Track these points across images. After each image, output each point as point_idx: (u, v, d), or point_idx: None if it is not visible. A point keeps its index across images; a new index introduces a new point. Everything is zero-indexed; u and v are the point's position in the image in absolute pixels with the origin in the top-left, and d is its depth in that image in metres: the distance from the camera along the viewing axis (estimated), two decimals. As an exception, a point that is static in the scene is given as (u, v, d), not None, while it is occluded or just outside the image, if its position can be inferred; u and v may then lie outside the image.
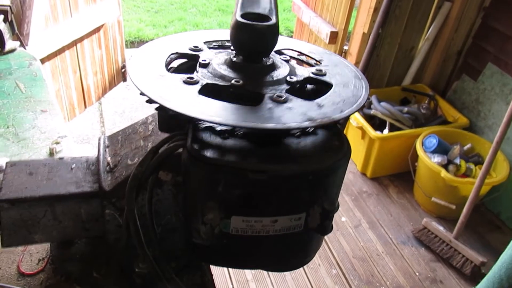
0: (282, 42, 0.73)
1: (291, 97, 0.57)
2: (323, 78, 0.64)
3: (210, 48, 0.69)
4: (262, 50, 0.62)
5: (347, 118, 0.58)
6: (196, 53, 0.67)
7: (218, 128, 0.57)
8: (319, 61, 0.69)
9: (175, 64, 0.68)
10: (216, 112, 0.52)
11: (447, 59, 3.02)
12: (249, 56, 0.62)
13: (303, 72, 0.65)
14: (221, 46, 0.70)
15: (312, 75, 0.64)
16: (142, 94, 0.54)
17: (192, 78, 0.58)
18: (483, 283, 1.07)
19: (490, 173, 2.34)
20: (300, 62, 0.71)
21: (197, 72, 0.61)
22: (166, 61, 0.63)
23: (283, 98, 0.56)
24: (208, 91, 0.57)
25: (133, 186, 0.58)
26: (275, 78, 0.61)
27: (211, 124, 0.56)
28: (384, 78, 3.03)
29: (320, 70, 0.65)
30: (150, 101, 0.54)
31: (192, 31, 0.73)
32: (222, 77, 0.60)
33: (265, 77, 0.61)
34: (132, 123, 0.76)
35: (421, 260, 2.33)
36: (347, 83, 0.63)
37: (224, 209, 0.55)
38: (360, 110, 0.60)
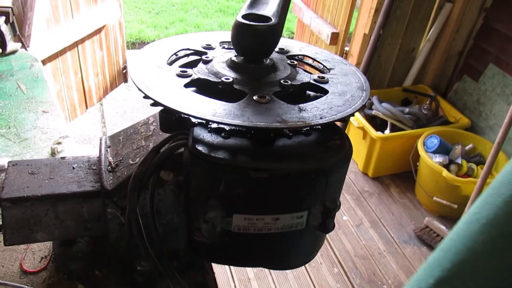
0: (298, 47, 0.74)
1: (275, 99, 0.56)
2: (322, 85, 0.63)
3: (223, 48, 0.70)
4: (261, 51, 0.62)
5: (346, 120, 0.58)
6: (207, 50, 0.67)
7: (214, 125, 0.57)
8: (329, 69, 0.69)
9: (186, 60, 0.68)
10: (186, 103, 0.53)
11: (448, 60, 3.02)
12: (248, 56, 0.62)
13: (304, 77, 0.64)
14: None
15: (312, 81, 0.63)
16: (134, 85, 0.56)
17: (185, 71, 0.60)
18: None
19: (491, 173, 2.33)
20: (312, 67, 0.71)
21: (195, 67, 0.62)
22: (171, 54, 0.65)
23: (265, 99, 0.55)
24: (198, 86, 0.59)
25: (135, 185, 0.59)
26: (268, 80, 0.61)
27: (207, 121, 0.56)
28: (385, 79, 3.03)
29: (323, 78, 0.64)
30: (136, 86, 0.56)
31: (214, 31, 0.74)
32: (216, 74, 0.61)
33: (260, 78, 0.61)
34: (133, 123, 0.76)
35: (423, 259, 2.33)
36: (345, 92, 0.61)
37: (226, 208, 0.55)
38: (361, 110, 0.60)
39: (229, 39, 0.71)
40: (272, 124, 0.51)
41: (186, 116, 0.52)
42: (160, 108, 0.55)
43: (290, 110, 0.54)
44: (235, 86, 0.58)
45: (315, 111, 0.55)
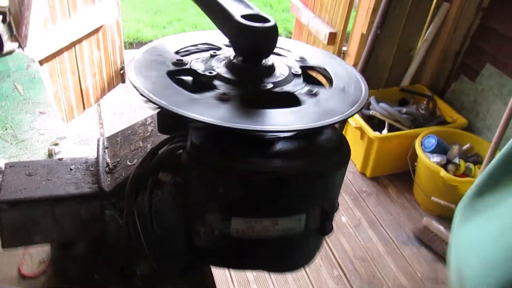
0: (319, 58, 0.72)
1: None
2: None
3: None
4: (266, 51, 0.62)
5: (345, 121, 0.58)
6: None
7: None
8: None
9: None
10: (151, 88, 0.55)
11: (445, 60, 3.03)
12: (245, 57, 0.62)
13: (292, 88, 0.62)
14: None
15: (298, 93, 0.61)
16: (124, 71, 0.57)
17: (181, 61, 0.62)
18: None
19: (489, 173, 2.34)
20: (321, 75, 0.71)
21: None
22: (183, 46, 0.67)
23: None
24: (191, 76, 0.62)
25: (133, 187, 0.58)
26: (285, 75, 0.62)
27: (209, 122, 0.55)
28: (382, 78, 3.04)
29: (311, 91, 0.62)
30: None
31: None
32: (208, 68, 0.62)
33: (247, 79, 0.61)
34: (131, 124, 0.76)
35: (422, 260, 2.33)
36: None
37: (225, 210, 0.55)
38: (359, 110, 0.60)
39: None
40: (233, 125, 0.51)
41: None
42: (158, 109, 0.55)
43: (243, 113, 0.54)
44: (214, 82, 0.59)
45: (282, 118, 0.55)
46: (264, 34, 0.58)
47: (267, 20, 0.59)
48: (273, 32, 0.58)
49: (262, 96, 0.59)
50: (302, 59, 0.70)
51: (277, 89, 0.60)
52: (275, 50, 0.70)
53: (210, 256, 0.62)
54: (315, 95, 0.60)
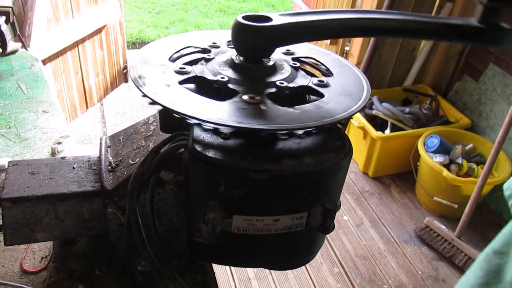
0: (306, 49, 0.73)
1: (267, 101, 0.56)
2: (320, 89, 0.62)
3: (229, 47, 0.69)
4: (259, 51, 0.62)
5: (348, 119, 0.58)
6: (213, 49, 0.67)
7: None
8: (332, 73, 0.67)
9: (190, 58, 0.68)
10: (174, 99, 0.53)
11: (448, 59, 3.02)
12: (247, 56, 0.62)
13: (303, 80, 0.63)
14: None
15: (311, 85, 0.62)
16: (135, 82, 0.56)
17: (183, 68, 0.60)
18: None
19: (492, 173, 2.33)
20: (315, 69, 0.71)
21: (195, 65, 0.62)
22: (175, 51, 0.65)
23: (256, 100, 0.55)
24: (196, 83, 0.60)
25: (135, 185, 0.59)
26: (266, 81, 0.60)
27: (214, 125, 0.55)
28: (385, 78, 3.03)
29: (322, 81, 0.63)
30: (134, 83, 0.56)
31: (217, 30, 0.74)
32: (214, 72, 0.60)
33: (257, 78, 0.61)
34: (134, 123, 0.76)
35: (424, 258, 2.33)
36: (339, 100, 0.60)
37: (226, 209, 0.55)
38: (361, 110, 0.60)
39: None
40: (252, 125, 0.51)
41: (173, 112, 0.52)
42: (159, 108, 0.55)
43: (280, 112, 0.54)
44: (230, 86, 0.58)
45: (308, 113, 0.55)
46: (259, 33, 0.58)
47: (269, 20, 0.59)
48: (270, 32, 0.59)
49: (283, 93, 0.59)
50: (288, 52, 0.70)
51: (292, 85, 0.61)
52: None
53: (211, 254, 0.63)
54: (327, 85, 0.61)
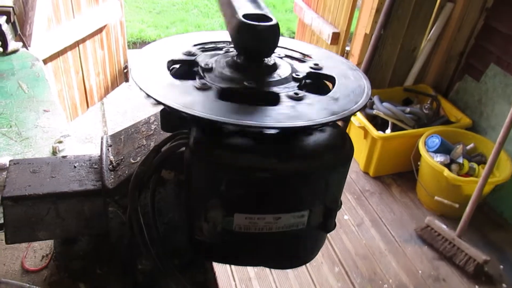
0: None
1: (306, 93, 0.58)
2: (324, 72, 0.64)
3: (203, 51, 0.68)
4: (266, 50, 0.62)
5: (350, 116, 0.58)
6: (192, 58, 0.65)
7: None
8: (309, 56, 0.70)
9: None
10: (248, 117, 0.52)
11: (449, 59, 3.02)
12: (252, 56, 0.62)
13: (303, 68, 0.65)
14: (214, 48, 0.69)
15: (312, 70, 0.64)
16: (171, 109, 0.52)
17: (205, 84, 0.58)
18: None
19: (493, 173, 2.33)
20: (292, 58, 0.71)
21: (203, 77, 0.60)
22: (168, 69, 0.63)
23: (299, 95, 0.57)
24: (221, 95, 0.57)
25: (136, 184, 0.59)
26: (282, 77, 0.61)
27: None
28: (386, 78, 3.03)
29: (317, 64, 0.66)
30: (179, 113, 0.52)
31: (177, 35, 0.72)
32: (232, 80, 0.59)
33: (272, 77, 0.61)
34: (135, 122, 0.76)
35: (424, 258, 2.33)
36: (346, 75, 0.64)
37: (227, 207, 0.55)
38: (362, 110, 0.60)
39: (200, 41, 0.70)
40: (329, 117, 0.53)
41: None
42: (161, 107, 0.55)
43: (329, 101, 0.57)
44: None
45: (347, 98, 0.58)
46: (263, 33, 0.58)
47: (269, 20, 0.59)
48: (273, 32, 0.58)
49: (244, 92, 0.58)
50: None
51: (265, 88, 0.59)
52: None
53: (212, 252, 0.63)
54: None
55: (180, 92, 0.56)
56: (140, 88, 0.55)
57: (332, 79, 0.64)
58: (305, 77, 0.63)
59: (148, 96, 0.54)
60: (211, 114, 0.51)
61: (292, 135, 0.58)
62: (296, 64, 0.67)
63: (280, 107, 0.55)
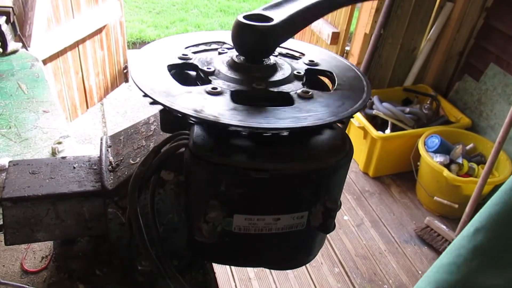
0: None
1: (314, 91, 0.58)
2: (321, 68, 0.66)
3: (194, 53, 0.67)
4: (267, 51, 0.62)
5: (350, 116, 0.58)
6: (189, 61, 0.64)
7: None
8: (302, 53, 0.70)
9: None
10: (267, 119, 0.52)
11: (449, 59, 3.02)
12: (253, 57, 0.62)
13: (300, 65, 0.66)
14: (205, 50, 0.69)
15: (309, 67, 0.65)
16: (190, 119, 0.52)
17: (216, 88, 0.57)
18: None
19: (492, 173, 2.33)
20: (284, 56, 0.71)
21: (209, 81, 0.60)
22: (194, 43, 0.66)
23: (309, 94, 0.58)
24: (236, 98, 0.56)
25: (136, 185, 0.59)
26: (286, 76, 0.61)
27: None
28: (386, 78, 3.03)
29: (312, 61, 0.67)
30: (198, 121, 0.52)
31: (167, 37, 0.72)
32: (239, 82, 0.59)
33: (276, 76, 0.61)
34: (134, 123, 0.76)
35: (424, 258, 2.33)
36: (340, 68, 0.65)
37: (227, 208, 0.55)
38: (362, 110, 0.60)
39: (191, 43, 0.70)
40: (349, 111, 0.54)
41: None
42: (161, 107, 0.55)
43: (336, 98, 0.57)
44: (271, 89, 0.59)
45: (353, 93, 0.59)
46: (262, 33, 0.58)
47: (269, 20, 0.59)
48: (273, 32, 0.58)
49: (255, 94, 0.59)
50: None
51: (273, 89, 0.60)
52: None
53: (211, 253, 0.63)
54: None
55: (194, 99, 0.54)
56: (163, 105, 0.53)
57: (330, 74, 0.65)
58: (305, 74, 0.63)
59: (172, 110, 0.52)
60: (241, 121, 0.51)
61: (307, 135, 0.58)
62: (291, 62, 0.67)
63: (297, 106, 0.56)
